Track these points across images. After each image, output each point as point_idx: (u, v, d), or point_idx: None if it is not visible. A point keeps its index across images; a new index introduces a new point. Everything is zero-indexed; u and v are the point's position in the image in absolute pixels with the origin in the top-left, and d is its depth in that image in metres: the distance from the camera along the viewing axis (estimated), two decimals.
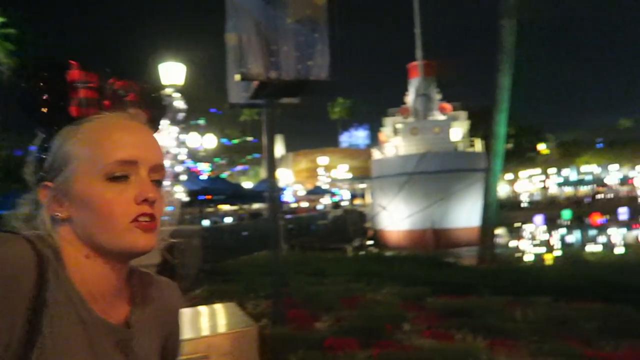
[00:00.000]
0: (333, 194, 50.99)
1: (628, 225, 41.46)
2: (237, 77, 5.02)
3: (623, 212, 50.72)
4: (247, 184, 37.72)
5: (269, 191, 5.73)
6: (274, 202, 5.74)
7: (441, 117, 34.81)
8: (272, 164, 5.53)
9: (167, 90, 10.52)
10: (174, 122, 11.21)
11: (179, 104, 11.13)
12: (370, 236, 34.54)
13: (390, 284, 7.15)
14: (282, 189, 40.84)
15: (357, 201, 50.22)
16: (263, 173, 47.34)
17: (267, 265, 6.48)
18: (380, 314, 5.02)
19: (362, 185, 48.69)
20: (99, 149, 0.76)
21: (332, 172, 56.13)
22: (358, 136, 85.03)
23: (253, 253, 12.56)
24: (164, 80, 10.53)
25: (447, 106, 35.74)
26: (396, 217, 31.24)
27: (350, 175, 55.60)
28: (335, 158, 60.91)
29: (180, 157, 11.72)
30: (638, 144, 69.66)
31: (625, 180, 65.36)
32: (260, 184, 32.30)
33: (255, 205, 34.77)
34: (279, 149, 64.36)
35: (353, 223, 35.74)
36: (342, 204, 50.16)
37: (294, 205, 46.44)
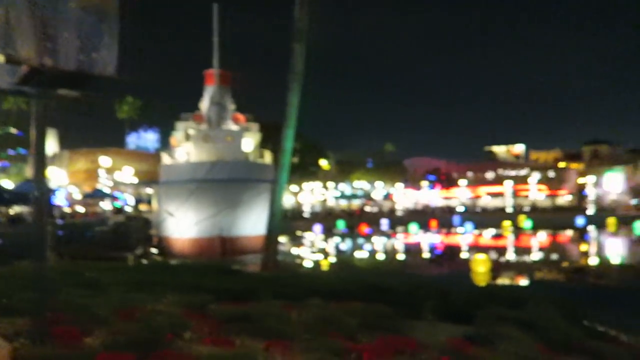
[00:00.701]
0: (115, 199, 47.10)
1: (388, 234, 48.42)
2: (0, 57, 4.31)
3: (384, 224, 59.01)
4: (7, 184, 32.27)
5: (36, 193, 5.04)
6: (41, 205, 5.07)
7: (234, 127, 35.42)
8: (42, 162, 4.88)
9: None
10: None
11: None
12: (155, 244, 32.96)
13: (174, 293, 6.95)
14: (53, 191, 36.13)
15: (143, 207, 47.37)
16: (30, 172, 41.16)
17: (28, 278, 5.66)
18: (160, 324, 4.83)
19: (149, 190, 46.20)
20: None
21: (115, 174, 51.97)
22: (147, 138, 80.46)
23: (10, 263, 10.78)
24: None
25: (241, 117, 36.57)
26: (183, 224, 30.51)
27: (136, 179, 52.25)
28: (120, 160, 56.59)
29: None
30: (398, 165, 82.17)
31: (387, 196, 76.14)
32: (25, 184, 28.05)
33: (17, 208, 29.96)
34: (52, 145, 56.86)
35: (136, 230, 33.63)
36: (126, 209, 46.72)
37: (67, 209, 41.41)
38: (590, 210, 63.29)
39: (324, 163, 72.24)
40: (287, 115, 15.37)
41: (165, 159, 35.71)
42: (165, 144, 48.80)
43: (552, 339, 4.89)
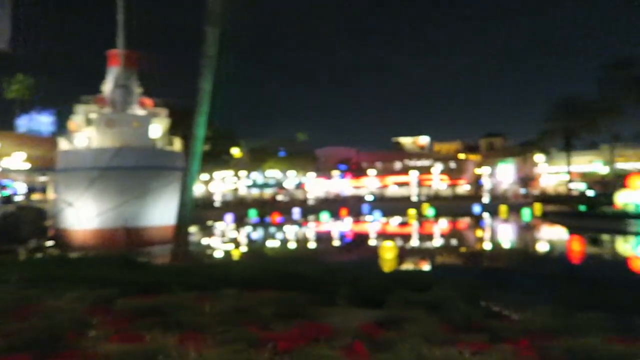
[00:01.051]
0: (3, 187, 42.92)
1: (300, 223, 48.94)
2: None
3: (296, 212, 59.55)
4: None
5: None
6: None
7: (141, 112, 33.71)
8: None
9: None
10: None
11: None
12: (51, 236, 30.63)
13: (75, 288, 6.51)
14: None
15: (36, 196, 43.64)
16: None
17: None
18: (61, 322, 4.51)
19: (44, 178, 42.63)
20: None
21: (3, 160, 47.32)
22: (41, 121, 73.80)
23: None
24: None
25: (148, 101, 34.86)
26: (84, 214, 28.63)
27: (28, 166, 47.95)
28: (9, 144, 51.52)
29: None
30: (310, 155, 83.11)
31: (299, 185, 76.83)
32: None
33: None
34: None
35: (29, 221, 31.02)
36: (16, 198, 42.77)
37: None
38: (486, 199, 68.55)
39: (235, 151, 71.09)
40: (199, 102, 14.91)
41: (63, 144, 33.15)
42: (62, 128, 45.18)
43: (455, 320, 5.25)
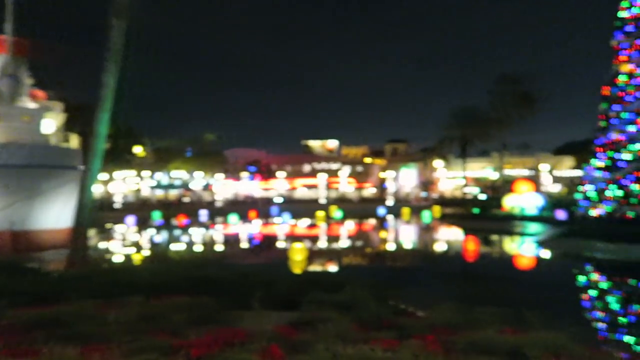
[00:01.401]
0: None
1: (207, 225, 47.74)
2: None
3: (204, 214, 58.04)
4: None
5: None
6: None
7: (32, 105, 30.94)
8: None
9: None
10: None
11: None
12: None
13: None
14: None
15: None
16: None
17: None
18: None
19: None
20: None
21: None
22: None
23: None
24: None
25: (40, 94, 32.08)
26: None
27: None
28: None
29: None
30: (218, 155, 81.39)
31: (206, 187, 74.95)
32: None
33: None
34: None
35: None
36: None
37: None
38: (390, 202, 71.59)
39: (138, 150, 67.59)
40: (102, 97, 13.99)
41: None
42: None
43: (366, 319, 5.42)
